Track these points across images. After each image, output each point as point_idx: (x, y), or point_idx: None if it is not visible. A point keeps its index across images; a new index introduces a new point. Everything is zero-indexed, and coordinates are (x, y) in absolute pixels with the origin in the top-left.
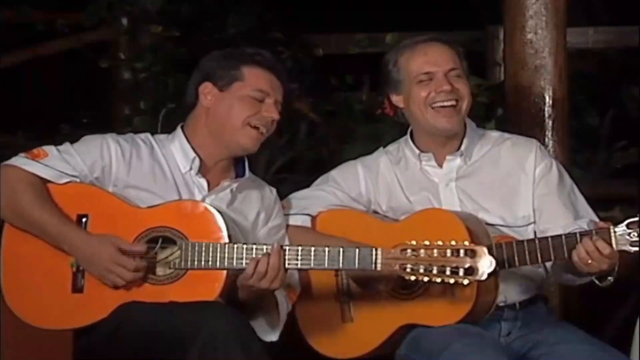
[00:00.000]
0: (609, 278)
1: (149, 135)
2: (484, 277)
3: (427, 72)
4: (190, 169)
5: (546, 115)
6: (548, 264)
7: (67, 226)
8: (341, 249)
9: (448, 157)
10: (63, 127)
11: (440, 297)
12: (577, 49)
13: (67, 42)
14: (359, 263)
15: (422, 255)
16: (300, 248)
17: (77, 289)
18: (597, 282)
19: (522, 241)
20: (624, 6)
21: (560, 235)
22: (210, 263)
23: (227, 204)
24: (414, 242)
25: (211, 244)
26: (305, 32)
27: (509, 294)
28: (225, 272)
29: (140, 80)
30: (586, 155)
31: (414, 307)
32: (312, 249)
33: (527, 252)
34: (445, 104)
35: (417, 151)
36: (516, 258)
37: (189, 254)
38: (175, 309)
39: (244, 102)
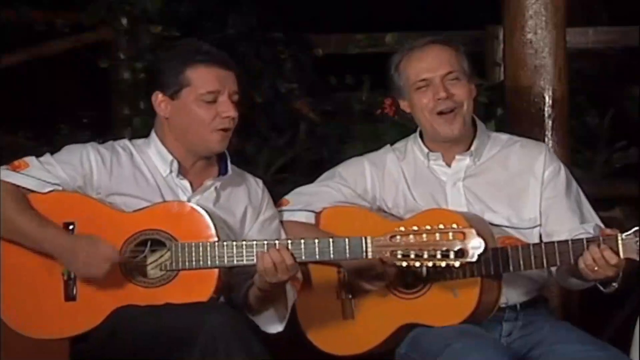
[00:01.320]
0: (613, 284)
1: (126, 141)
2: (474, 258)
3: (423, 78)
4: (170, 171)
5: (546, 115)
6: (553, 268)
7: (47, 227)
8: (331, 240)
9: (457, 157)
10: (63, 127)
11: (443, 297)
12: (577, 49)
13: (67, 42)
14: (349, 253)
15: (411, 240)
16: (290, 241)
17: (70, 297)
18: (601, 287)
19: (528, 245)
20: (624, 6)
21: (566, 241)
22: (201, 262)
23: (213, 202)
24: (402, 228)
25: (200, 244)
26: (305, 32)
27: (511, 295)
28: (217, 270)
29: (140, 80)
30: (586, 155)
31: (416, 307)
32: (302, 241)
33: (533, 257)
34: (444, 110)
35: (426, 150)
36: (521, 262)
37: (179, 254)
38: (172, 310)
39: (199, 108)
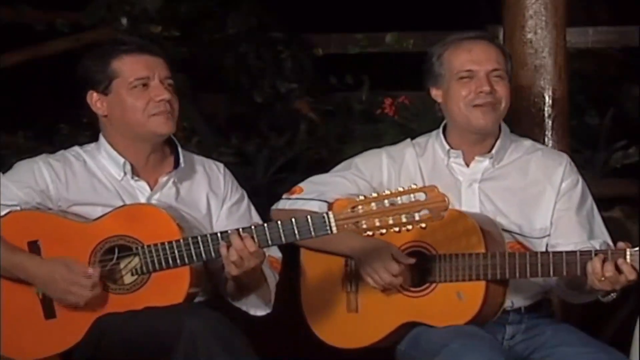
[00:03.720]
0: (612, 294)
1: (78, 148)
2: (440, 216)
3: (468, 69)
4: (125, 173)
5: (546, 115)
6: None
7: (17, 254)
8: (293, 220)
9: (477, 158)
10: (63, 127)
11: (447, 298)
12: (577, 49)
13: (67, 42)
14: (314, 231)
15: (374, 208)
16: (253, 227)
17: (49, 315)
18: (600, 297)
19: (536, 253)
20: (624, 6)
21: (575, 252)
22: (170, 262)
23: (174, 198)
24: (362, 197)
25: (166, 243)
26: (305, 32)
27: (517, 298)
28: (188, 267)
29: None
30: (586, 155)
31: (420, 306)
32: (266, 225)
33: (540, 265)
34: (482, 104)
35: (447, 147)
36: (528, 269)
37: (147, 257)
38: (152, 315)
39: (132, 97)
